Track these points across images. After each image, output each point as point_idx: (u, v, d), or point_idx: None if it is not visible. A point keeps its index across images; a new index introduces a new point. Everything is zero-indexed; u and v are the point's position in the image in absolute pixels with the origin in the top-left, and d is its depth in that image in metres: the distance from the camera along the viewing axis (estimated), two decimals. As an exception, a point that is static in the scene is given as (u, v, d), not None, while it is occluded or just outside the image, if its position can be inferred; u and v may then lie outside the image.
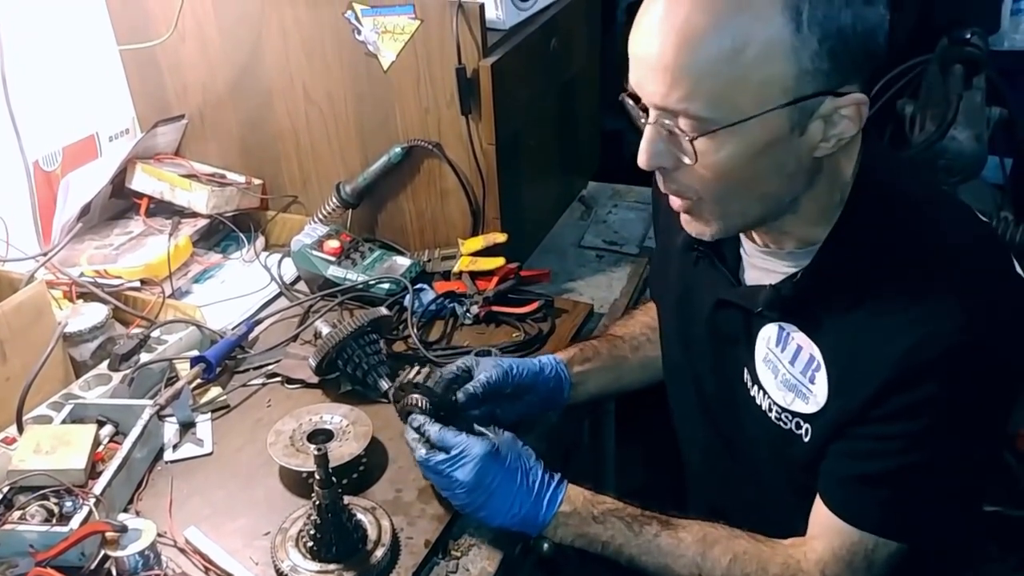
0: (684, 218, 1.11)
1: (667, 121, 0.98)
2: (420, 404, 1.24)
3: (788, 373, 1.12)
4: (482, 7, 1.56)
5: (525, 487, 1.17)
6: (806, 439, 1.11)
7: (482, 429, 1.21)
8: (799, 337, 1.11)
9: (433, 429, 1.19)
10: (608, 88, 2.14)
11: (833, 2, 0.92)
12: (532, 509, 1.16)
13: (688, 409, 1.34)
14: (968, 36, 2.06)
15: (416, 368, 1.29)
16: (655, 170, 1.05)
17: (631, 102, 1.03)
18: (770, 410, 1.15)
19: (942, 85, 2.06)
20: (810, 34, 0.92)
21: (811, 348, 1.09)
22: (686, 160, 1.00)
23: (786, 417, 1.13)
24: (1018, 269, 1.07)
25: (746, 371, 1.19)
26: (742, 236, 1.18)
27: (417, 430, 1.21)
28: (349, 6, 1.63)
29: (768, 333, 1.15)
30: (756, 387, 1.18)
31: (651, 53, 0.95)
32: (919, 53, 2.15)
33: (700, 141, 0.97)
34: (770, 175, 1.01)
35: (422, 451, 1.19)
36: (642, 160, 1.03)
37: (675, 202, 1.09)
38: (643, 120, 1.01)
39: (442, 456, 1.17)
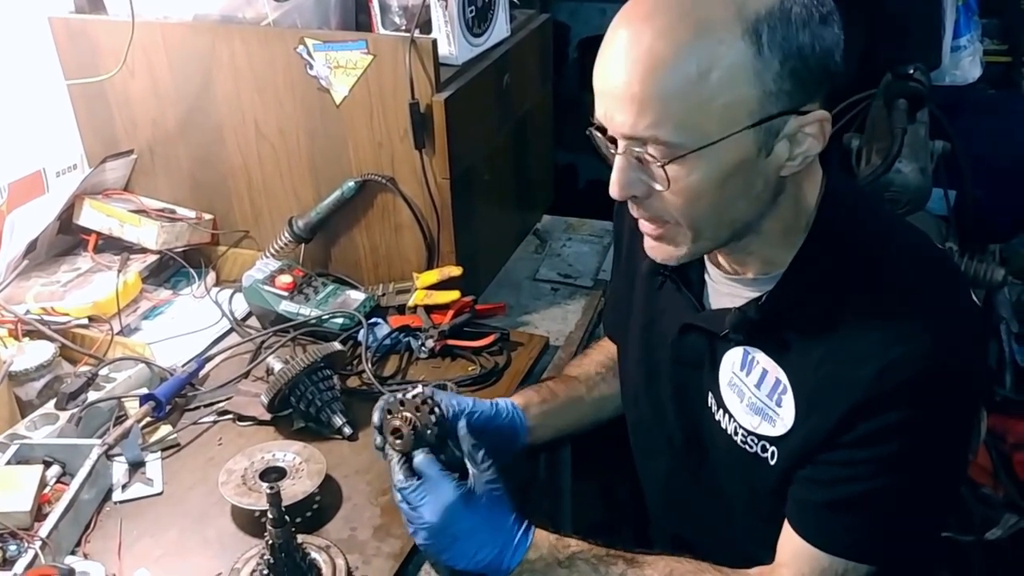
0: (650, 244, 1.11)
1: (637, 149, 1.00)
2: (419, 423, 1.19)
3: (754, 397, 1.13)
4: (435, 42, 1.57)
5: (492, 536, 1.14)
6: (772, 462, 1.12)
7: (470, 460, 1.17)
8: (764, 361, 1.12)
9: (419, 456, 1.16)
10: (561, 123, 2.16)
11: (791, 24, 0.94)
12: (497, 558, 1.14)
13: (650, 439, 1.34)
14: (911, 71, 2.11)
15: (412, 392, 1.24)
16: (626, 200, 1.05)
17: (599, 135, 1.04)
18: (736, 434, 1.16)
19: (887, 119, 2.10)
20: (771, 56, 0.94)
21: (777, 372, 1.10)
22: (657, 187, 1.01)
23: (752, 440, 1.14)
24: (972, 295, 1.09)
25: (710, 395, 1.20)
26: (707, 262, 1.20)
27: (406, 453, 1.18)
28: (301, 41, 1.63)
29: (733, 358, 1.16)
30: (721, 411, 1.18)
31: (617, 84, 0.97)
32: (864, 88, 2.20)
33: (671, 167, 0.98)
34: (739, 196, 1.03)
35: (400, 476, 1.16)
36: (614, 191, 1.03)
37: (646, 227, 1.09)
38: (612, 151, 1.02)
39: (414, 484, 1.15)
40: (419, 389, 1.25)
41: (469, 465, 1.17)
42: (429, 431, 1.19)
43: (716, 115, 0.96)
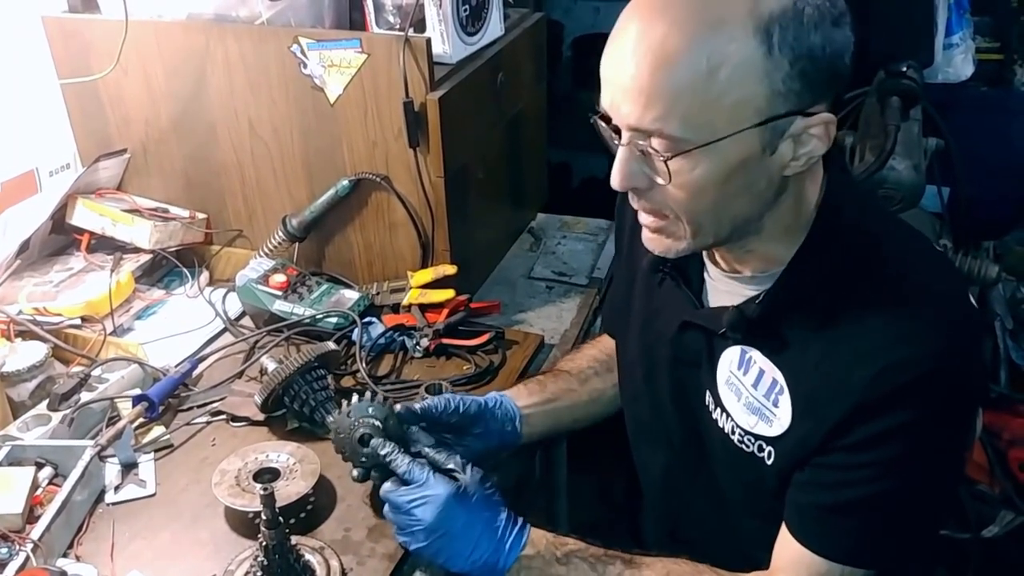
0: (649, 235, 1.11)
1: (641, 142, 0.99)
2: (381, 427, 1.22)
3: (751, 396, 1.12)
4: (429, 41, 1.57)
5: (487, 533, 1.14)
6: (768, 462, 1.12)
7: (453, 467, 1.18)
8: (761, 361, 1.11)
9: (403, 461, 1.17)
10: (555, 121, 2.16)
11: (803, 25, 0.94)
12: (493, 555, 1.14)
13: (648, 436, 1.34)
14: (904, 69, 2.12)
15: (356, 397, 1.26)
16: (628, 191, 1.05)
17: (603, 124, 1.03)
18: (732, 432, 1.15)
19: (880, 117, 2.11)
20: (781, 56, 0.94)
21: (774, 372, 1.10)
22: (659, 180, 1.01)
23: (748, 440, 1.13)
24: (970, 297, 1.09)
25: (708, 394, 1.19)
26: (706, 260, 1.19)
27: (384, 461, 1.18)
28: (295, 40, 1.62)
29: (731, 356, 1.15)
30: (719, 410, 1.18)
31: (626, 75, 0.96)
32: (857, 86, 2.20)
33: (674, 161, 0.98)
34: (741, 194, 1.03)
35: (388, 483, 1.17)
36: (616, 181, 1.03)
37: (646, 219, 1.09)
38: (616, 142, 1.02)
39: (404, 490, 1.15)
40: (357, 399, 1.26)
41: (455, 473, 1.17)
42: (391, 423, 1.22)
43: (723, 112, 0.96)
